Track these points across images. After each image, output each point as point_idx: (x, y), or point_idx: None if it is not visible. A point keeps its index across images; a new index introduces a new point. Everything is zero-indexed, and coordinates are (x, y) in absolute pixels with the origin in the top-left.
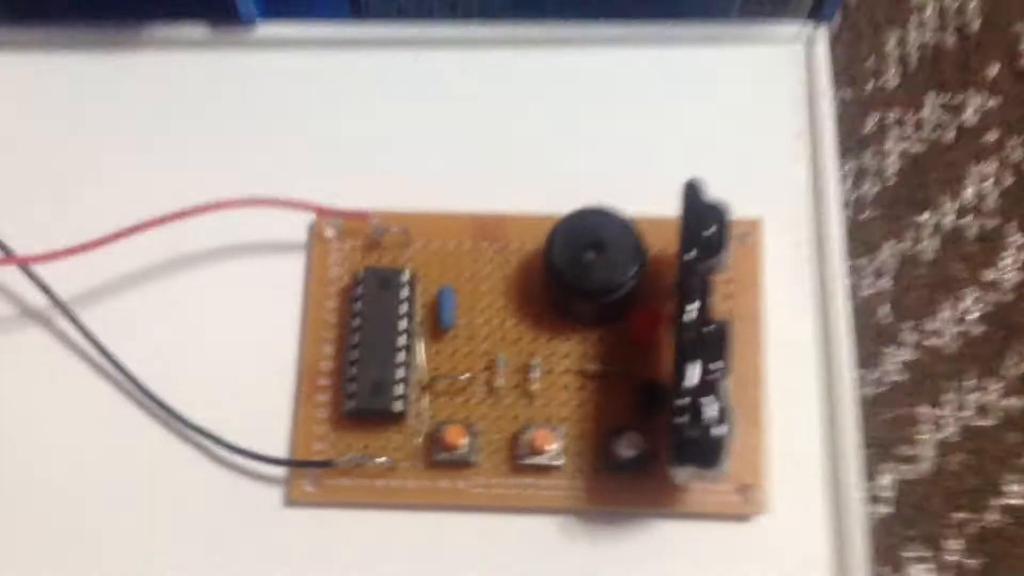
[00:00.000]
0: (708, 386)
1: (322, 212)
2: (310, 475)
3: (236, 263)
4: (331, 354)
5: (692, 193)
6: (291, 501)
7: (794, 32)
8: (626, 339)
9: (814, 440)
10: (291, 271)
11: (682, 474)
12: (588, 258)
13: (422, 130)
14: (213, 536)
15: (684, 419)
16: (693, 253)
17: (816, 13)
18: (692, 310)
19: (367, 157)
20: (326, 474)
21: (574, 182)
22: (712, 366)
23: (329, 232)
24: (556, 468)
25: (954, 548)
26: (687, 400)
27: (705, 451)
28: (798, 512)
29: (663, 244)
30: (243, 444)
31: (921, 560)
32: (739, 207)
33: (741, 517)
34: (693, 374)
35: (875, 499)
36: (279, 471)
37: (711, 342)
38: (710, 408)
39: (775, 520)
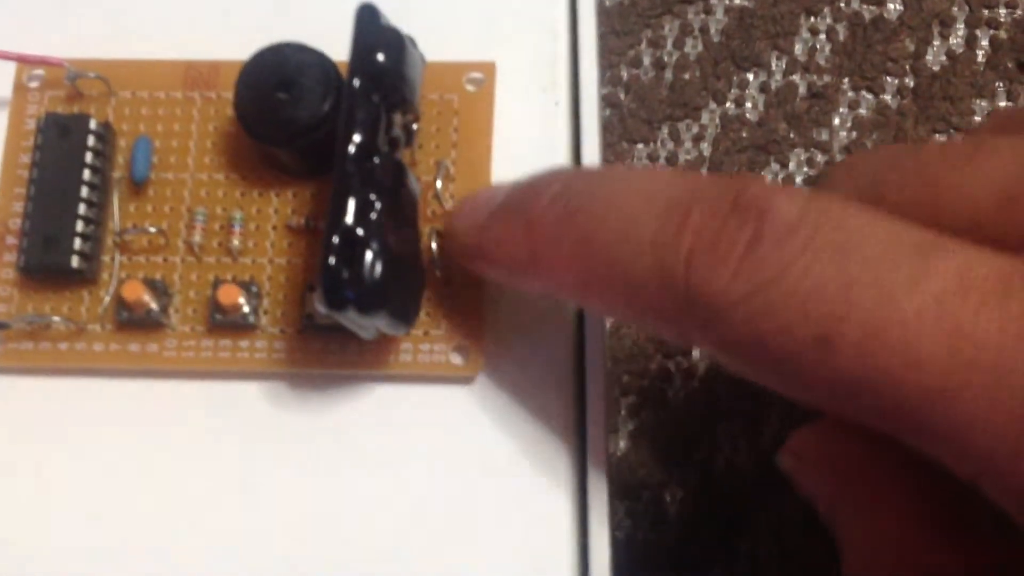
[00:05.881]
0: (369, 224)
1: (23, 60)
2: None
3: None
4: (21, 211)
5: (367, 17)
6: None
7: None
8: None
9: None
10: None
11: (347, 321)
12: (278, 98)
13: None
14: None
15: (333, 259)
16: (357, 81)
17: None
18: (354, 141)
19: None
20: (8, 338)
21: (302, 30)
22: (377, 204)
23: (32, 83)
24: (253, 328)
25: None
26: (339, 239)
27: (361, 295)
28: (528, 372)
29: None
30: None
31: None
32: (481, 50)
33: (459, 379)
34: (349, 209)
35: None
36: None
37: (378, 179)
38: (367, 248)
39: (499, 381)
